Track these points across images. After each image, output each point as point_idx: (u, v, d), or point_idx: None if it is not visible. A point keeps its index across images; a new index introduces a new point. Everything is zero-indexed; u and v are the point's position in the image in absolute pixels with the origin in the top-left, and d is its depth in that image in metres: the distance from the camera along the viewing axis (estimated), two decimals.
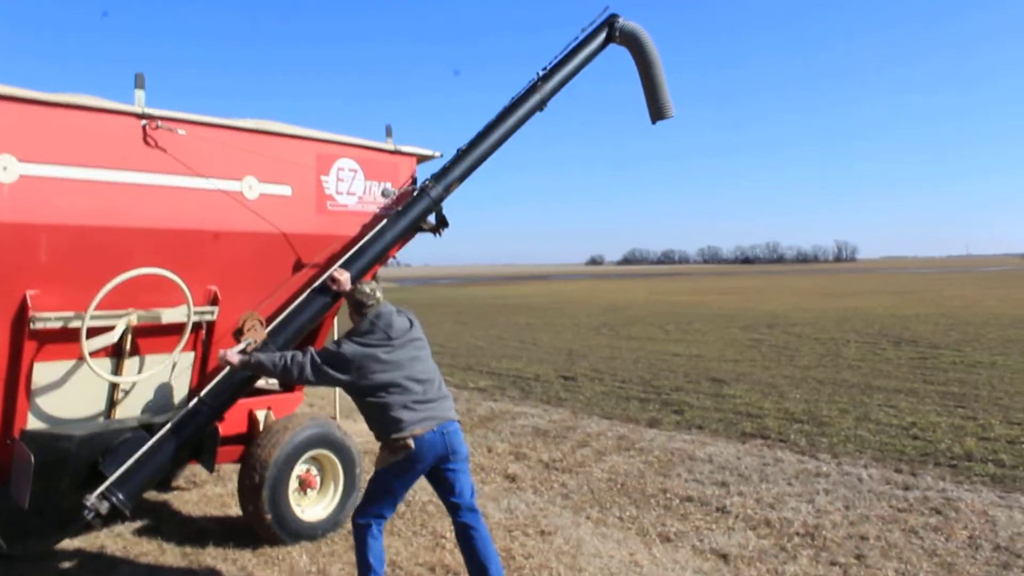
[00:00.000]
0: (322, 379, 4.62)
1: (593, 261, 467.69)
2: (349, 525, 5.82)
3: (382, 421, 4.52)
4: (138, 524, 6.28)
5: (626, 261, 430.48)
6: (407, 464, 4.48)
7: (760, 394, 11.92)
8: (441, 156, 6.58)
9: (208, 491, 7.21)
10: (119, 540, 5.95)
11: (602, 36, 6.70)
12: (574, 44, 6.65)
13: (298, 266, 5.73)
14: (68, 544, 5.81)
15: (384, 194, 6.09)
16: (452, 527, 4.76)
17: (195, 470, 7.31)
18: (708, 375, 14.09)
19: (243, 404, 6.12)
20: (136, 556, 5.65)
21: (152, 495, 7.05)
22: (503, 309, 38.55)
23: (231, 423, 6.06)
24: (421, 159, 6.59)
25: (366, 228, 5.85)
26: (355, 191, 6.03)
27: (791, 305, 34.95)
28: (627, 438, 9.03)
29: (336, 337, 4.84)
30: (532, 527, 6.09)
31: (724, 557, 5.47)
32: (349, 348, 4.54)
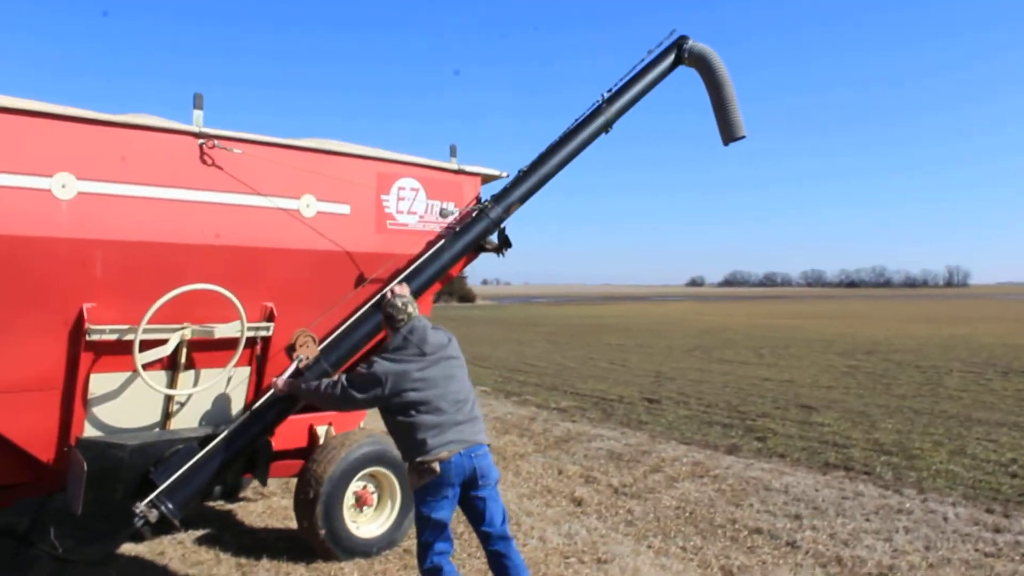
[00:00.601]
0: (352, 404, 4.60)
1: (693, 282, 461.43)
2: (404, 544, 5.81)
3: (408, 442, 4.44)
4: (200, 532, 6.38)
5: (727, 283, 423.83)
6: (435, 489, 4.37)
7: (850, 423, 11.43)
8: (507, 176, 6.51)
9: (274, 503, 7.27)
10: (179, 547, 6.05)
11: (671, 58, 6.58)
12: (641, 66, 6.54)
13: (357, 284, 5.73)
14: (130, 548, 5.95)
15: (442, 214, 6.05)
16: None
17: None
18: (797, 401, 13.63)
19: (304, 419, 6.17)
20: (192, 564, 5.73)
21: (218, 505, 7.17)
22: (597, 329, 38.29)
23: (291, 437, 6.11)
24: (486, 179, 6.54)
25: (428, 247, 5.83)
26: (416, 210, 6.01)
27: (894, 331, 33.68)
28: (702, 464, 8.76)
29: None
30: (589, 554, 5.92)
31: None
32: (380, 366, 4.47)
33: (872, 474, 8.36)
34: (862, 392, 14.84)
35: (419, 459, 4.35)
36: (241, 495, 7.41)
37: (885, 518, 6.76)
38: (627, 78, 6.49)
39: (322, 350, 5.28)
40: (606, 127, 6.34)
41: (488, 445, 4.58)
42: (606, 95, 6.38)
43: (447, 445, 4.35)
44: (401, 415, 4.43)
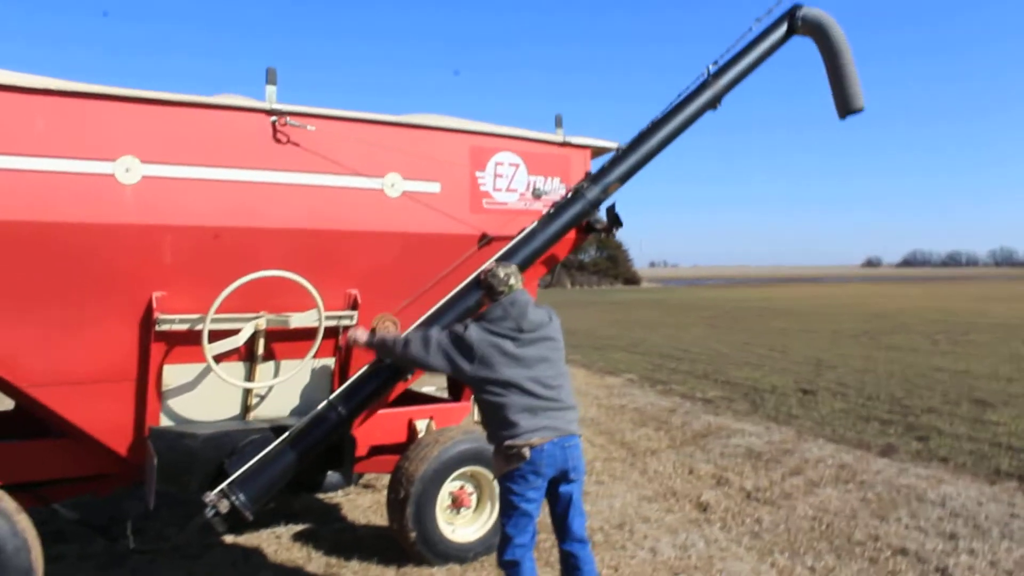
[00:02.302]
0: (440, 362, 4.25)
1: (869, 263, 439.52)
2: None
3: (497, 421, 4.10)
4: (300, 527, 6.21)
5: (906, 263, 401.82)
6: (523, 476, 4.03)
7: None
8: (619, 147, 5.97)
9: (380, 497, 7.01)
10: (275, 542, 5.89)
11: (783, 28, 6.07)
12: (752, 37, 6.05)
13: (450, 267, 5.34)
14: (227, 539, 5.82)
15: (535, 194, 5.60)
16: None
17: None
18: (971, 395, 12.34)
19: (402, 412, 5.87)
20: (283, 561, 5.53)
21: (327, 497, 7.00)
22: (762, 313, 36.80)
23: (390, 431, 5.83)
24: (597, 152, 6.02)
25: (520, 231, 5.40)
26: (516, 187, 5.58)
27: None
28: (850, 467, 7.92)
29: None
30: (702, 571, 5.32)
31: None
32: (475, 333, 4.15)
33: None
34: None
35: (508, 442, 4.02)
36: (350, 490, 7.22)
37: None
38: (736, 50, 6.00)
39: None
40: (714, 103, 5.89)
41: (580, 436, 4.22)
42: (712, 68, 5.91)
43: (540, 431, 4.02)
44: (488, 393, 4.12)
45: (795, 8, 6.08)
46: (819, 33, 6.02)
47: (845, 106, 6.00)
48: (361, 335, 4.80)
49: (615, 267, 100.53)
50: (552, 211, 5.43)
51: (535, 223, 5.36)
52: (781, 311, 38.06)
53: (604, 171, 5.59)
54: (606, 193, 5.52)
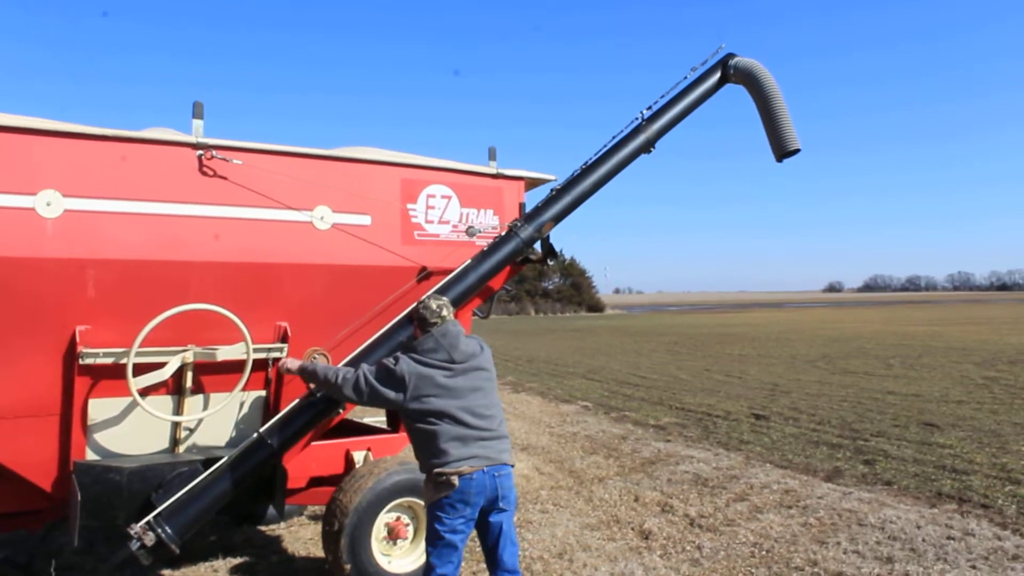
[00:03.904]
0: (371, 396, 4.28)
1: (831, 288, 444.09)
2: None
3: (428, 449, 4.13)
4: (238, 560, 6.14)
5: (867, 288, 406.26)
6: (452, 505, 4.05)
7: (976, 444, 10.32)
8: (556, 180, 6.04)
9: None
10: (215, 574, 5.79)
11: (716, 76, 6.27)
12: (684, 84, 6.21)
13: (382, 300, 5.33)
14: (163, 572, 5.73)
15: (469, 233, 5.64)
16: None
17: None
18: (921, 418, 12.49)
19: (339, 444, 5.84)
20: None
21: (270, 528, 6.92)
22: (721, 339, 36.98)
23: (327, 463, 5.80)
24: (532, 183, 6.07)
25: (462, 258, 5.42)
26: (449, 219, 5.59)
27: None
28: (794, 493, 7.97)
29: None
30: None
31: None
32: (406, 365, 4.18)
33: (990, 508, 7.36)
34: (997, 408, 13.51)
35: (438, 469, 4.05)
36: (294, 521, 7.14)
37: (995, 566, 5.83)
38: (670, 96, 6.13)
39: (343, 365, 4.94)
40: (647, 146, 5.99)
41: (512, 466, 4.26)
42: (646, 113, 6.03)
43: (471, 459, 4.06)
44: (421, 422, 4.15)
45: (727, 57, 6.27)
46: (751, 81, 6.19)
47: (780, 149, 6.13)
48: (292, 363, 4.80)
49: (579, 294, 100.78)
50: (486, 249, 5.47)
51: (469, 261, 5.39)
52: (740, 336, 38.33)
53: (538, 210, 5.65)
54: (540, 232, 5.58)
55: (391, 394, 4.19)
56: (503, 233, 5.57)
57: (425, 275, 5.43)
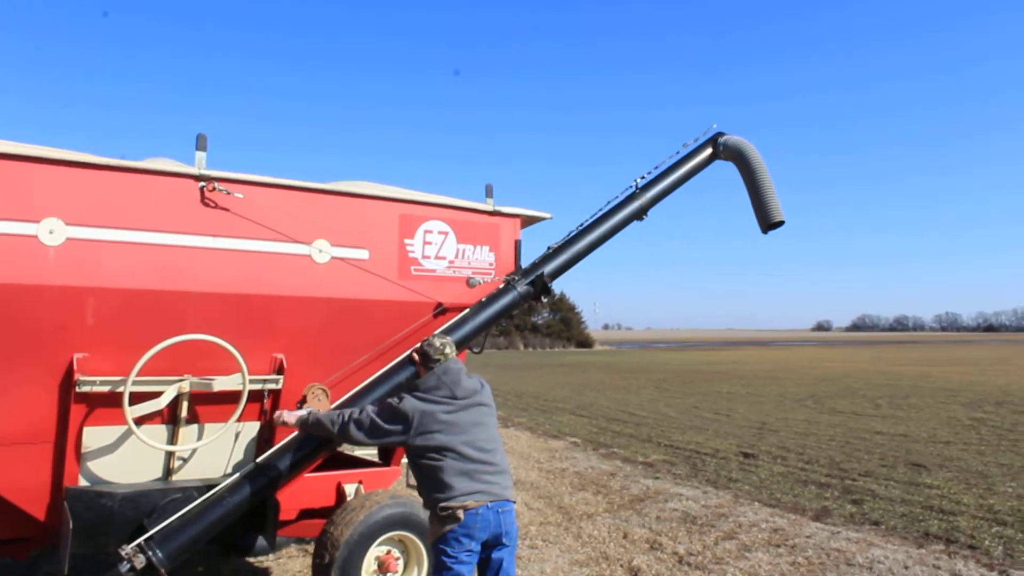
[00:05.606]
0: (377, 435, 4.38)
1: (820, 327, 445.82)
2: None
3: (433, 485, 4.18)
4: None
5: (855, 327, 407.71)
6: (457, 539, 4.07)
7: (963, 485, 10.37)
8: (551, 218, 6.16)
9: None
10: None
11: (707, 152, 6.65)
12: (677, 158, 6.58)
13: (378, 334, 5.38)
14: None
15: (469, 284, 5.80)
16: None
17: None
18: (908, 459, 12.54)
19: (331, 476, 5.84)
20: None
21: (259, 560, 6.89)
22: (710, 376, 37.05)
23: (318, 495, 5.80)
24: (528, 221, 6.16)
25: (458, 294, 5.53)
26: (445, 255, 5.67)
27: None
28: (783, 531, 7.99)
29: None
30: None
31: None
32: (410, 403, 4.28)
33: (978, 549, 7.41)
34: (984, 449, 13.58)
35: (443, 504, 4.09)
36: (282, 553, 7.12)
37: None
38: (663, 168, 6.49)
39: (341, 404, 4.99)
40: (640, 214, 6.31)
41: (514, 502, 4.32)
42: (640, 182, 6.35)
43: (475, 494, 4.11)
44: (426, 459, 4.21)
45: (717, 135, 6.62)
46: (738, 158, 6.55)
47: (766, 220, 6.47)
48: (289, 416, 4.84)
49: (568, 329, 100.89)
50: (484, 300, 5.61)
51: (467, 310, 5.53)
52: (729, 374, 38.40)
53: (535, 266, 5.85)
54: (535, 287, 5.77)
55: (396, 433, 4.28)
56: (500, 286, 5.74)
57: (441, 311, 5.59)
